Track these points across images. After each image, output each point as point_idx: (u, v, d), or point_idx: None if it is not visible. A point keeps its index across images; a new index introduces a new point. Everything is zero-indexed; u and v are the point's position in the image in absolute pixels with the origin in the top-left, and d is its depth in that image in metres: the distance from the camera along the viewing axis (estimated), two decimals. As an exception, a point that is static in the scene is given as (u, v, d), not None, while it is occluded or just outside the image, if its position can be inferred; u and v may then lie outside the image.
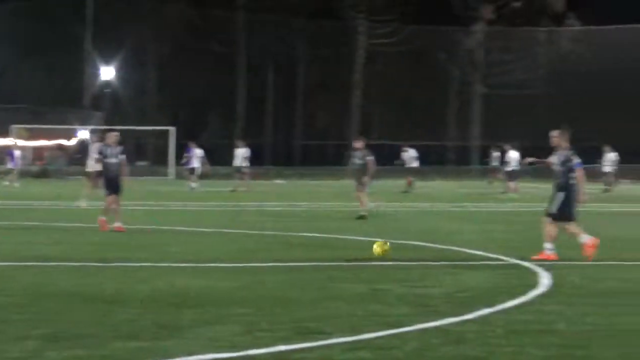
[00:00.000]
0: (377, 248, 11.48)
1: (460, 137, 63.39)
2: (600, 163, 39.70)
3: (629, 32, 61.83)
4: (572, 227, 12.63)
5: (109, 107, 59.16)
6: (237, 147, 33.89)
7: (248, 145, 37.26)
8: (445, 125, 63.73)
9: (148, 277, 10.26)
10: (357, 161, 19.87)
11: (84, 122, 55.50)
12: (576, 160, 12.78)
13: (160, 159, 53.50)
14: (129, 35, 57.17)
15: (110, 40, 57.13)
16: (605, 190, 36.66)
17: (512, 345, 6.70)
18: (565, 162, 12.82)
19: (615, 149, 41.49)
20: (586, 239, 12.53)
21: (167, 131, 51.26)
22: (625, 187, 45.64)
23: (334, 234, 16.09)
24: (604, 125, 55.94)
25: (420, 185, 37.70)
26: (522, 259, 12.24)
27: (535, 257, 12.23)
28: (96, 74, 59.79)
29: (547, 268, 11.26)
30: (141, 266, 11.39)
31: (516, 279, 10.59)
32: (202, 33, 58.18)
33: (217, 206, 26.27)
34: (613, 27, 61.95)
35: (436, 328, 7.41)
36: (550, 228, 12.61)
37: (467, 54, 63.10)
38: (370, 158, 19.88)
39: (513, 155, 34.48)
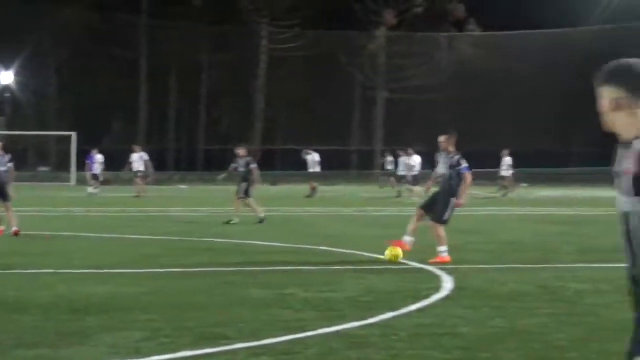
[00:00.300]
0: (389, 253, 11.91)
1: (364, 141, 63.83)
2: (498, 167, 40.26)
3: (527, 37, 63.36)
4: (443, 231, 12.88)
5: (9, 113, 58.42)
6: (134, 151, 33.87)
7: (149, 150, 37.46)
8: (349, 129, 64.06)
9: (50, 284, 10.15)
10: (241, 169, 20.18)
11: (-17, 128, 54.39)
12: (464, 164, 12.93)
13: (62, 165, 53.13)
14: (29, 39, 56.14)
15: (9, 44, 55.91)
16: (504, 195, 37.40)
17: (415, 349, 6.78)
18: (454, 167, 12.95)
19: (513, 152, 42.16)
20: (443, 251, 12.77)
21: (69, 136, 50.77)
22: (524, 190, 46.40)
23: (238, 239, 16.13)
24: (503, 129, 57.82)
25: (324, 190, 37.94)
26: (425, 263, 12.37)
27: (432, 260, 12.40)
28: (-5, 79, 58.70)
29: (450, 272, 11.39)
30: (43, 273, 11.31)
31: (419, 283, 10.67)
32: (103, 37, 57.44)
33: (119, 212, 26.21)
34: (512, 32, 63.42)
35: (339, 332, 7.48)
36: (440, 231, 12.82)
37: (370, 58, 63.57)
38: (254, 165, 20.38)
39: (416, 159, 34.77)
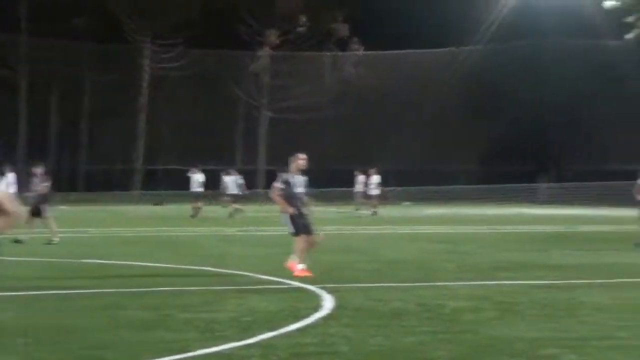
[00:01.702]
0: None
1: (248, 161, 64.30)
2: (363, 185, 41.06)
3: (411, 56, 65.08)
4: (302, 243, 13.50)
5: None
6: (3, 173, 33.61)
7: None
8: (233, 149, 64.51)
9: None
10: (37, 188, 20.44)
11: None
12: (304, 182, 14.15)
13: None
14: None
15: None
16: (373, 213, 38.33)
17: None
18: (305, 185, 14.07)
19: (397, 170, 43.27)
20: (298, 262, 13.36)
21: None
22: (406, 208, 48.46)
23: (119, 260, 16.14)
24: (385, 148, 60.73)
25: (208, 209, 38.43)
26: (307, 282, 12.45)
27: (296, 274, 12.91)
28: None
29: (330, 291, 11.50)
30: None
31: (300, 302, 10.78)
32: None
33: None
34: (396, 52, 65.09)
35: (220, 353, 7.54)
36: (300, 245, 13.49)
37: (253, 78, 64.26)
38: (47, 184, 20.71)
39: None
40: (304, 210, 14.13)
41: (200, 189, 36.44)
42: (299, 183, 14.07)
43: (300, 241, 13.54)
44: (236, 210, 35.63)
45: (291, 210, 13.72)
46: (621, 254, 19.36)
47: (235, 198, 36.67)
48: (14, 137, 58.92)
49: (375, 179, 40.34)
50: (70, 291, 11.82)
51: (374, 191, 39.77)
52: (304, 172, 14.05)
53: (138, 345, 7.90)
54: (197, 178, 36.58)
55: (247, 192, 41.08)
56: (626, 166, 49.78)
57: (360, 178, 40.88)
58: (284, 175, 14.06)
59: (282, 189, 13.99)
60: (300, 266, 13.22)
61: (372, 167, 40.79)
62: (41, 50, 58.01)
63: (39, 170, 20.80)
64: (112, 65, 59.98)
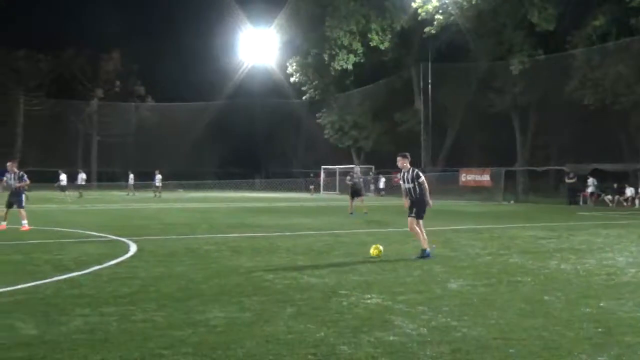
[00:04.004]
0: (374, 250, 12.48)
1: (85, 166, 73.83)
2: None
3: (179, 106, 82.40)
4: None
5: None
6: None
7: None
8: (75, 159, 79.79)
9: None
10: (11, 182, 19.30)
11: None
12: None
13: None
14: None
15: None
16: (158, 196, 46.37)
17: (112, 285, 8.85)
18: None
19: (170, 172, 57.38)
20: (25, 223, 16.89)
21: None
22: (180, 193, 59.36)
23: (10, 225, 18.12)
24: (165, 158, 72.87)
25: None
26: (119, 236, 15.21)
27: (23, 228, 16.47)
28: None
29: (135, 241, 14.21)
30: None
31: (117, 248, 13.10)
32: None
33: None
34: (171, 104, 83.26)
35: (66, 279, 9.32)
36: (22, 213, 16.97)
37: (88, 116, 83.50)
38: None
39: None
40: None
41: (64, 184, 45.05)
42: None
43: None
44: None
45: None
46: (298, 218, 23.85)
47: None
48: None
49: (159, 177, 50.10)
50: None
51: (158, 184, 49.33)
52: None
53: (15, 275, 9.61)
54: (62, 178, 45.88)
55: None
56: (304, 170, 73.45)
57: (158, 177, 49.38)
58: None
59: None
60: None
61: (157, 169, 50.67)
62: None
63: (11, 164, 19.28)
64: None
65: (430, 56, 57.03)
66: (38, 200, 36.89)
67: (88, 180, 57.58)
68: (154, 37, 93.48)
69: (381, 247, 12.59)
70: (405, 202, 13.10)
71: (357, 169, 28.59)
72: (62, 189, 44.80)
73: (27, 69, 79.29)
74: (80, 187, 48.51)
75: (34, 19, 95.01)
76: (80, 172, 50.11)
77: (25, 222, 18.43)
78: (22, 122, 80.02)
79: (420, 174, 12.76)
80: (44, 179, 53.34)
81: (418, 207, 12.77)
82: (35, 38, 79.20)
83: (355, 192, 27.42)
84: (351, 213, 26.67)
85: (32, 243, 14.55)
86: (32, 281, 9.32)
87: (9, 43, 76.55)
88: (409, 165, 12.87)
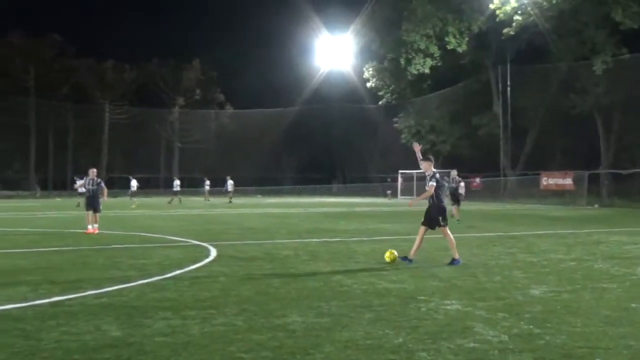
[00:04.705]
0: (389, 255, 12.37)
1: (166, 171, 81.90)
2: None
3: (259, 112, 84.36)
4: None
5: None
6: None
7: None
8: (158, 164, 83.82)
9: None
10: (89, 186, 20.33)
11: None
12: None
13: None
14: None
15: None
16: (230, 202, 47.24)
17: (192, 290, 8.94)
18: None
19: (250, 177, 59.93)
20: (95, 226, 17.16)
21: None
22: (258, 199, 60.62)
23: (76, 229, 19.34)
24: (243, 164, 75.84)
25: (143, 201, 48.11)
26: (200, 241, 15.36)
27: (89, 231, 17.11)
28: None
29: (214, 245, 14.35)
30: None
31: (197, 253, 13.27)
32: None
33: (17, 215, 29.91)
34: (249, 110, 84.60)
35: (149, 283, 9.43)
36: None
37: (170, 124, 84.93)
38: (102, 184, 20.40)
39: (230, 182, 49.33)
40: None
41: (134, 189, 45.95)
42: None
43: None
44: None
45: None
46: (376, 223, 23.53)
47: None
48: (27, 155, 76.94)
49: (231, 182, 51.42)
50: (58, 248, 14.14)
51: (230, 188, 50.76)
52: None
53: (100, 279, 9.78)
54: (133, 183, 46.27)
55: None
56: (381, 174, 73.91)
57: (230, 182, 51.01)
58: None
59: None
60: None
61: (228, 175, 52.56)
62: (43, 107, 77.18)
63: (92, 171, 20.61)
64: (86, 116, 78.85)
65: (509, 58, 56.23)
66: (122, 206, 38.51)
67: (182, 185, 57.58)
68: (232, 46, 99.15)
69: (396, 253, 12.43)
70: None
71: (454, 172, 26.41)
72: (133, 194, 45.59)
73: (113, 79, 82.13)
74: (176, 193, 49.54)
75: (120, 32, 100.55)
76: (175, 179, 51.11)
77: (96, 225, 19.74)
78: (107, 130, 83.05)
79: (432, 178, 12.20)
80: (128, 185, 54.29)
81: (438, 214, 12.37)
82: (121, 50, 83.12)
83: (453, 197, 25.80)
84: (458, 220, 24.97)
85: (118, 248, 14.86)
86: (117, 284, 9.53)
87: (98, 55, 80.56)
88: (432, 169, 12.33)
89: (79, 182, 24.96)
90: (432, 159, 12.42)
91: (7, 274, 10.67)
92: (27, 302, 8.12)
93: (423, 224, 12.39)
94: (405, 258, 12.44)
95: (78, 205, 36.70)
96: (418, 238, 12.39)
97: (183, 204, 45.96)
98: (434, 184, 12.01)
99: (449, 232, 12.52)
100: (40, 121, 78.49)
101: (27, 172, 76.85)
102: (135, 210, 34.86)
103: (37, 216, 29.44)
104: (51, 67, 76.89)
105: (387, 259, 12.24)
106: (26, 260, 12.36)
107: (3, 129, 72.73)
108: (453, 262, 12.17)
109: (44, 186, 76.51)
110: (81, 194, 29.89)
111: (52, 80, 76.81)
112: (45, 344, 6.26)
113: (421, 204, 12.83)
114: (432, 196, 12.25)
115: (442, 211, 12.34)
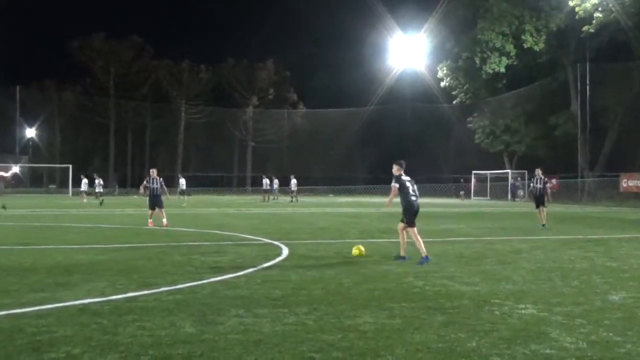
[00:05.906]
0: (355, 250, 12.89)
1: (240, 170, 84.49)
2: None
3: (333, 113, 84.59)
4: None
5: (30, 153, 76.13)
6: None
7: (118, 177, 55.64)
8: (231, 163, 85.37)
9: (51, 254, 12.28)
10: (152, 185, 21.50)
11: (16, 162, 72.29)
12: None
13: (63, 184, 69.36)
14: (42, 111, 75.18)
15: (28, 115, 73.79)
16: (295, 200, 47.45)
17: (265, 288, 8.96)
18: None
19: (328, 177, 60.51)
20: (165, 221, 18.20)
21: (67, 167, 65.65)
22: (330, 198, 60.38)
23: (165, 227, 19.98)
24: (318, 164, 76.65)
25: (213, 197, 51.18)
26: (272, 239, 15.40)
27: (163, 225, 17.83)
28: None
29: (287, 245, 14.35)
30: (47, 248, 13.59)
31: (269, 251, 13.33)
32: (89, 110, 74.01)
33: (95, 212, 31.80)
34: (322, 110, 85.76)
35: (222, 280, 9.59)
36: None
37: (243, 124, 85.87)
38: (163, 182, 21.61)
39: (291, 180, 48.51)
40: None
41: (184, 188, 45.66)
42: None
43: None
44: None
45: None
46: (448, 224, 22.97)
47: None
48: (107, 156, 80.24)
49: (294, 181, 50.26)
50: (135, 245, 14.48)
51: (294, 188, 50.05)
52: None
53: (174, 276, 9.96)
54: (183, 182, 45.96)
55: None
56: (454, 175, 73.09)
57: (294, 181, 50.06)
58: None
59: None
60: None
61: (292, 174, 51.48)
62: (124, 107, 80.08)
63: (153, 172, 21.69)
64: (163, 115, 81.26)
65: (589, 56, 54.63)
66: (199, 203, 39.13)
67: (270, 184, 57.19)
68: (305, 46, 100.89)
69: (362, 248, 12.90)
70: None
71: (539, 171, 23.80)
72: (182, 193, 45.47)
73: (188, 79, 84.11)
74: (267, 191, 50.92)
75: (195, 33, 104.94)
76: (265, 178, 51.89)
77: (165, 220, 21.19)
78: (183, 129, 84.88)
79: (396, 180, 12.85)
80: (203, 183, 58.87)
81: (403, 212, 12.91)
82: (197, 50, 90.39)
83: (537, 200, 23.64)
84: (543, 225, 23.08)
85: (192, 245, 15.01)
86: (191, 281, 9.64)
87: (174, 55, 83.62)
88: (399, 172, 12.97)
89: (96, 182, 25.11)
90: (402, 164, 13.00)
91: (86, 269, 10.88)
92: (104, 297, 8.32)
93: (401, 221, 12.95)
94: (400, 257, 12.84)
95: (101, 204, 38.61)
96: (400, 236, 12.94)
97: (254, 202, 46.49)
98: (396, 185, 12.63)
99: (403, 229, 12.95)
100: (119, 120, 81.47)
101: (106, 170, 79.10)
102: (210, 209, 35.15)
103: (114, 213, 30.14)
104: (130, 67, 79.72)
105: (354, 254, 12.76)
106: (104, 256, 12.60)
107: (85, 128, 76.15)
108: (399, 258, 12.73)
109: (122, 184, 78.90)
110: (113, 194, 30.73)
111: (131, 81, 79.81)
112: (121, 339, 6.38)
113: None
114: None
115: (405, 210, 12.76)
